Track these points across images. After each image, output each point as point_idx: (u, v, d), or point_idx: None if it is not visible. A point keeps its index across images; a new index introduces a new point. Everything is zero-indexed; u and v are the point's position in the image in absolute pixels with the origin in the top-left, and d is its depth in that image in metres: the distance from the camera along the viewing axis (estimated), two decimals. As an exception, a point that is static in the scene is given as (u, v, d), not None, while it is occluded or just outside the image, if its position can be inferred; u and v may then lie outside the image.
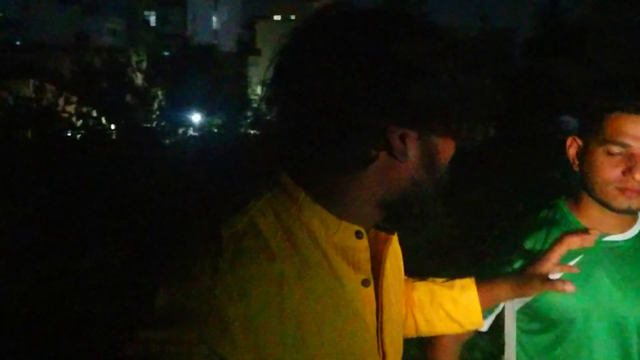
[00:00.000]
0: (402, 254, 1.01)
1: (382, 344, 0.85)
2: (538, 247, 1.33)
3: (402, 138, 0.74)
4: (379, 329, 0.85)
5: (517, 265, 1.34)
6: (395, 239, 0.91)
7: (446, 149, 0.79)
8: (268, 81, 0.80)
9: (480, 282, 1.11)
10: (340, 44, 0.75)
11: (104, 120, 8.72)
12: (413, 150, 0.76)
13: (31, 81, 8.84)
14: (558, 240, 1.14)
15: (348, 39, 0.75)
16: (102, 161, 6.80)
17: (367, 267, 0.82)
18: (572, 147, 1.31)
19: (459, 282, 1.11)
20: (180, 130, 11.85)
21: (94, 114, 8.71)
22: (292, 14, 30.96)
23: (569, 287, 1.05)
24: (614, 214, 1.27)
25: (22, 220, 5.00)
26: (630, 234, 1.32)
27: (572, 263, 1.29)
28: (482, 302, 1.10)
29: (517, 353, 1.42)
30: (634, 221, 1.33)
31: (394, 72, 0.72)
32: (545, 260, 1.10)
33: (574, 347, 1.33)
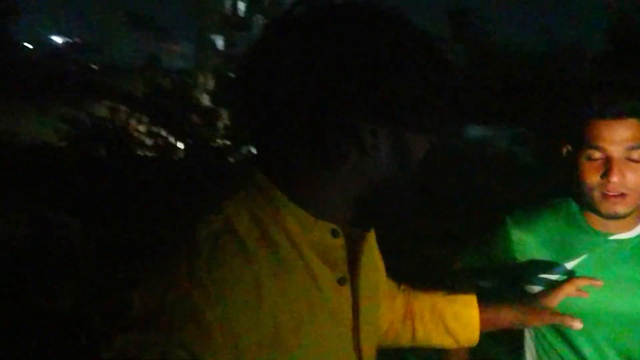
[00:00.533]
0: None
1: (358, 342, 0.85)
2: (553, 239, 1.37)
3: (373, 134, 0.74)
4: (356, 327, 0.84)
5: (529, 257, 1.36)
6: (371, 236, 0.90)
7: (418, 145, 0.80)
8: (238, 80, 0.80)
9: (485, 302, 1.10)
10: (309, 40, 0.74)
11: (172, 139, 9.05)
12: (384, 146, 0.76)
13: (105, 102, 9.29)
14: (567, 282, 1.14)
15: (316, 35, 0.74)
16: (171, 178, 7.04)
17: (343, 265, 0.82)
18: (559, 153, 1.35)
19: (462, 298, 1.10)
20: (244, 149, 12.10)
21: (163, 133, 9.06)
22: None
23: (577, 325, 1.03)
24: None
25: (94, 235, 5.24)
26: (636, 231, 1.34)
27: (577, 261, 1.35)
28: (482, 322, 1.09)
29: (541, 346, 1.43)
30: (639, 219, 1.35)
31: (363, 68, 0.72)
32: (554, 296, 1.10)
33: (576, 344, 1.35)
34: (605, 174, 1.23)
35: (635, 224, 1.35)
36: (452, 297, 1.10)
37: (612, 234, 1.34)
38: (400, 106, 0.74)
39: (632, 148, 1.24)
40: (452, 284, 1.49)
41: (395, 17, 0.77)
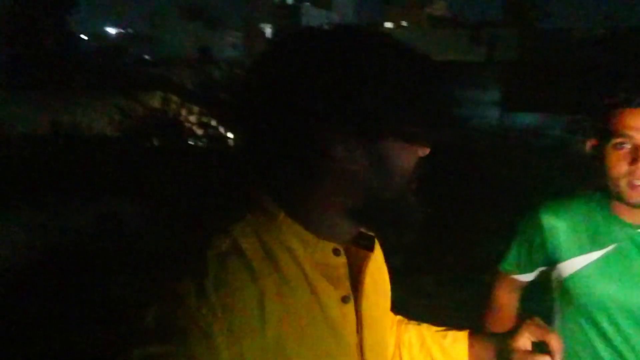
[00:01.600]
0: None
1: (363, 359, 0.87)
2: (582, 228, 1.41)
3: (346, 147, 0.77)
4: (360, 345, 0.86)
5: (558, 243, 1.37)
6: (375, 255, 0.92)
7: (401, 154, 0.80)
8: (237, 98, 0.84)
9: (476, 337, 1.09)
10: (289, 61, 0.78)
11: (222, 129, 9.16)
12: (361, 158, 0.78)
13: (158, 93, 9.48)
14: (523, 327, 1.06)
15: (296, 55, 0.78)
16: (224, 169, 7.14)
17: (346, 283, 0.85)
18: (589, 147, 1.38)
19: (452, 334, 1.10)
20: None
21: (213, 123, 9.17)
22: (404, 20, 30.74)
23: None
24: None
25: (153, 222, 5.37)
26: None
27: (603, 252, 1.38)
28: (472, 358, 1.07)
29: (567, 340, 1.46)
30: None
31: (330, 83, 0.75)
32: (517, 339, 1.03)
33: (599, 334, 1.39)
34: (634, 161, 1.26)
35: None
36: (443, 333, 1.11)
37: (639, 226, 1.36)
38: (369, 118, 0.76)
39: None
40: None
41: (367, 31, 0.80)
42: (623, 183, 1.29)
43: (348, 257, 0.87)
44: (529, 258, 1.54)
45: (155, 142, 8.75)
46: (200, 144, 8.93)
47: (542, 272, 1.55)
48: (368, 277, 0.88)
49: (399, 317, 1.15)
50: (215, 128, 9.65)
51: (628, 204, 1.32)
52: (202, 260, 0.76)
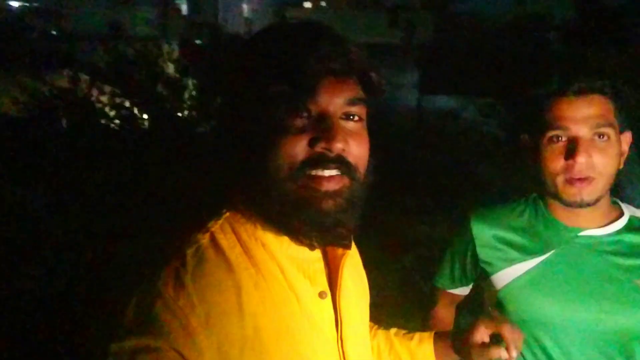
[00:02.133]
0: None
1: (344, 356, 0.89)
2: (514, 242, 1.28)
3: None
4: (340, 341, 0.88)
5: (489, 253, 1.29)
6: (352, 253, 0.95)
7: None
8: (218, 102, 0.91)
9: (439, 336, 1.13)
10: (253, 54, 0.85)
11: (136, 110, 8.80)
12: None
13: (65, 71, 8.96)
14: (479, 321, 1.09)
15: (247, 48, 0.85)
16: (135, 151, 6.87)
17: (323, 279, 0.88)
18: (523, 145, 1.28)
19: (418, 335, 1.13)
20: (212, 122, 11.90)
21: (127, 104, 8.81)
22: (323, 1, 30.73)
23: (504, 354, 1.03)
24: (583, 210, 1.21)
25: (55, 208, 5.10)
26: (611, 228, 1.25)
27: (540, 259, 1.26)
28: (438, 357, 1.11)
29: None
30: (616, 216, 1.27)
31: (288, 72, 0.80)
32: (474, 334, 1.08)
33: (546, 354, 1.23)
34: (571, 155, 1.15)
35: (609, 220, 1.27)
36: (409, 335, 1.15)
37: (582, 230, 1.26)
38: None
39: (599, 126, 1.16)
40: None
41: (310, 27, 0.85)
42: (560, 180, 1.20)
43: (325, 256, 0.92)
44: (463, 271, 1.42)
45: (64, 124, 8.29)
46: (112, 125, 8.55)
47: (478, 285, 1.45)
48: (346, 275, 0.90)
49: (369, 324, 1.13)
50: (129, 109, 9.27)
51: (566, 203, 1.22)
52: (181, 255, 0.80)
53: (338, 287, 0.90)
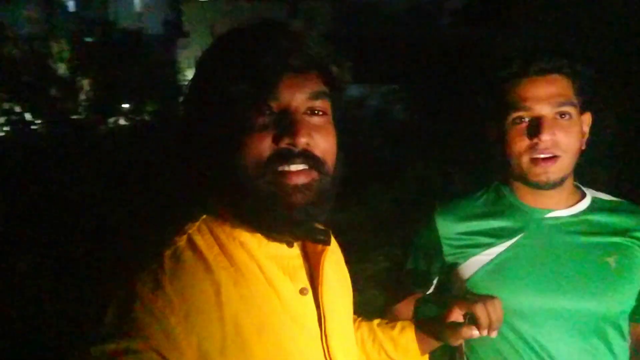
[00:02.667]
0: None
1: (329, 351, 0.88)
2: (479, 230, 1.28)
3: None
4: (324, 336, 0.88)
5: (456, 248, 1.27)
6: (332, 249, 0.95)
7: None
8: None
9: (419, 323, 1.13)
10: (216, 56, 0.85)
11: (28, 115, 8.28)
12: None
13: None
14: (452, 303, 1.07)
15: (213, 49, 0.86)
16: (30, 158, 6.48)
17: (302, 275, 0.89)
18: (488, 133, 1.28)
19: (400, 324, 1.13)
20: (111, 120, 11.43)
21: (17, 109, 8.26)
22: (219, -6, 30.22)
23: (475, 333, 1.03)
24: (550, 191, 1.23)
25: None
26: (576, 209, 1.26)
27: (513, 241, 1.25)
28: (421, 343, 1.11)
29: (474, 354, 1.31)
30: (579, 197, 1.29)
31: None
32: (448, 316, 1.08)
33: (521, 339, 1.21)
34: (535, 134, 1.16)
35: (574, 201, 1.28)
36: (392, 324, 1.14)
37: (548, 211, 1.26)
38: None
39: (562, 105, 1.17)
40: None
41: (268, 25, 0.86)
42: (525, 160, 1.18)
43: (306, 252, 0.92)
44: (427, 269, 1.38)
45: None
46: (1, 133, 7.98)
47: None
48: (326, 270, 0.91)
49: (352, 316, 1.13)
50: (20, 114, 8.69)
51: (533, 183, 1.21)
52: (159, 258, 0.78)
53: (320, 283, 0.90)
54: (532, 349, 1.21)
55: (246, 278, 0.82)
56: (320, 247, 0.91)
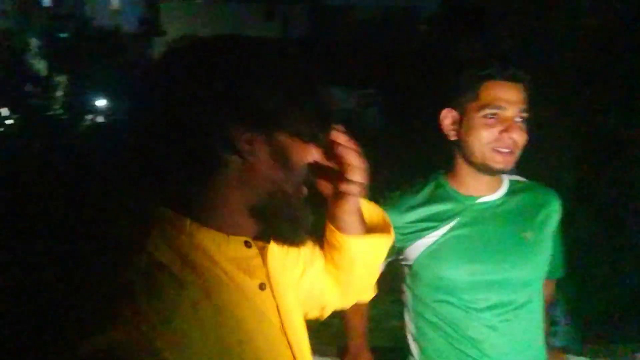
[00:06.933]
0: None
1: (289, 341, 0.93)
2: (422, 217, 1.44)
3: (249, 141, 0.81)
4: (283, 327, 0.93)
5: (402, 233, 1.41)
6: (274, 246, 0.95)
7: (297, 149, 0.86)
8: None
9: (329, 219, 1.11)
10: (184, 65, 0.83)
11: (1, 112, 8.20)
12: (262, 152, 0.82)
13: None
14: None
15: (192, 61, 0.83)
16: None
17: (261, 272, 0.90)
18: (447, 118, 1.43)
19: (325, 231, 1.12)
20: (87, 118, 11.35)
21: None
22: (197, -7, 30.05)
23: (354, 189, 0.98)
24: (485, 178, 1.41)
25: None
26: (499, 194, 1.46)
27: (449, 225, 1.42)
28: (339, 229, 1.08)
29: (419, 324, 1.48)
30: (501, 183, 1.47)
31: (230, 84, 0.81)
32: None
33: (455, 319, 1.41)
34: (505, 131, 1.32)
35: (497, 187, 1.46)
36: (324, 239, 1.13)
37: (478, 197, 1.44)
38: (266, 114, 0.82)
39: (523, 110, 1.34)
40: None
41: (257, 41, 0.87)
42: (488, 149, 1.34)
43: (262, 249, 0.91)
44: None
45: None
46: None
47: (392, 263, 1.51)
48: (271, 265, 0.93)
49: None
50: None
51: (488, 169, 1.36)
52: (126, 280, 0.77)
53: (274, 277, 0.93)
54: (469, 316, 1.41)
55: (214, 285, 0.83)
56: (261, 243, 0.92)
